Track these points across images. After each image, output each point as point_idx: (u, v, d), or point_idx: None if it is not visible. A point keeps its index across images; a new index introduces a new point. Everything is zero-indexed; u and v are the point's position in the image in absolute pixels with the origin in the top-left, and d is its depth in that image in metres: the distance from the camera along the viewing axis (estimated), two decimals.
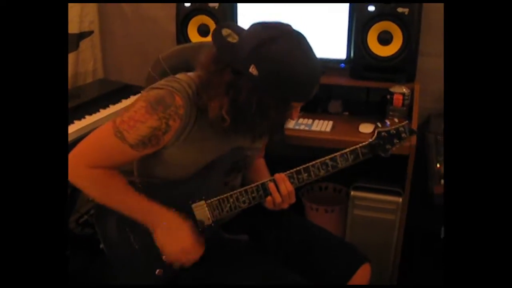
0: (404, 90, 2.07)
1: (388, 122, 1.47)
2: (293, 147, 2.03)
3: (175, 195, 1.42)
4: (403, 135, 1.47)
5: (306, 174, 1.43)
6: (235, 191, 1.42)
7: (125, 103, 2.30)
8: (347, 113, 2.33)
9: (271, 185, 1.41)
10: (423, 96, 2.19)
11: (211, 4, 2.31)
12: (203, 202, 1.42)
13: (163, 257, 1.40)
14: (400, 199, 2.07)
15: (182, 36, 2.39)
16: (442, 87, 2.27)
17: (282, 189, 1.41)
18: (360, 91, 2.40)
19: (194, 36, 2.39)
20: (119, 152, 1.32)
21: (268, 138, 1.62)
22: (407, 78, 2.14)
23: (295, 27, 1.28)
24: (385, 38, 2.13)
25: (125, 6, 2.76)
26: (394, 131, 1.46)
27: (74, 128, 1.96)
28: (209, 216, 1.42)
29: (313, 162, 1.43)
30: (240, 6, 2.29)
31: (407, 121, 1.48)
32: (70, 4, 2.49)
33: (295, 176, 1.43)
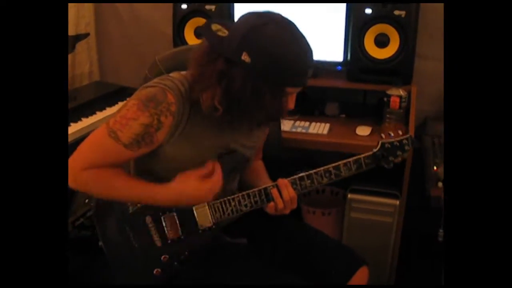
0: (401, 92, 2.07)
1: (392, 134, 1.47)
2: (290, 149, 2.02)
3: None
4: (407, 147, 1.47)
5: (309, 181, 1.43)
6: (237, 195, 1.42)
7: (121, 105, 2.29)
8: (344, 115, 2.33)
9: (274, 191, 1.41)
10: (420, 98, 2.19)
11: (208, 6, 2.31)
12: (204, 204, 1.41)
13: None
14: (397, 202, 2.07)
15: (178, 38, 2.39)
16: (439, 90, 2.31)
17: (284, 195, 1.41)
18: (357, 93, 2.40)
19: (190, 38, 2.38)
20: (114, 153, 1.32)
21: (266, 135, 1.62)
22: (404, 80, 2.14)
23: None
24: (382, 41, 2.13)
25: (121, 8, 2.76)
26: (398, 143, 1.47)
27: (70, 130, 1.96)
28: (210, 218, 1.42)
29: (316, 170, 1.43)
30: (237, 8, 2.29)
31: (410, 134, 1.49)
32: None
33: (298, 182, 1.43)
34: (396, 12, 2.06)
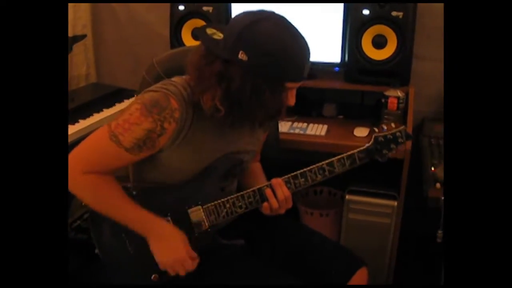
0: (399, 93, 2.07)
1: (385, 127, 1.47)
2: (288, 151, 2.02)
3: (171, 200, 1.42)
4: (400, 140, 1.46)
5: (303, 179, 1.42)
6: (231, 196, 1.41)
7: (118, 107, 2.29)
8: (341, 116, 2.33)
9: (268, 191, 1.41)
10: (417, 99, 2.20)
11: (205, 7, 2.30)
12: (199, 207, 1.41)
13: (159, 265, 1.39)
14: (395, 203, 2.07)
15: (176, 39, 2.38)
16: (436, 91, 2.31)
17: (279, 194, 1.40)
18: (354, 94, 2.40)
19: (188, 40, 2.38)
20: (115, 156, 1.31)
21: (266, 135, 1.62)
22: (402, 81, 2.14)
23: None
24: (379, 42, 2.13)
25: (118, 9, 2.75)
26: (391, 136, 1.46)
27: (68, 132, 1.94)
28: (205, 221, 1.41)
29: (310, 167, 1.42)
30: (235, 9, 2.29)
31: (404, 126, 1.48)
32: None
33: (291, 181, 1.42)
34: (394, 13, 2.06)
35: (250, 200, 1.42)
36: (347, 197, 2.14)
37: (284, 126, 2.12)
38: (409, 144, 1.87)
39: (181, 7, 2.34)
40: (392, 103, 2.07)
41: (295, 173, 1.42)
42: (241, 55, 1.21)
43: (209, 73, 1.25)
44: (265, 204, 1.41)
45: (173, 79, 1.37)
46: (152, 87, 1.34)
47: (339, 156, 1.43)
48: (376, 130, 1.48)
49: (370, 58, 2.15)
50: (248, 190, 1.42)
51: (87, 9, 2.73)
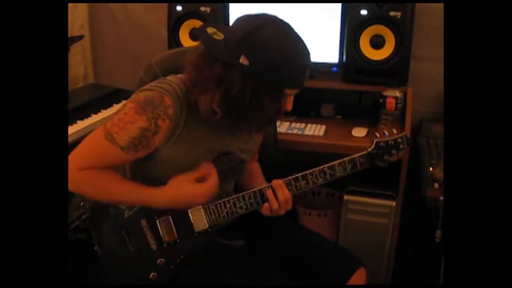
0: (397, 93, 2.07)
1: (386, 133, 1.47)
2: (286, 151, 2.02)
3: None
4: (401, 146, 1.47)
5: (304, 182, 1.43)
6: (232, 197, 1.41)
7: (116, 107, 2.29)
8: (339, 117, 2.33)
9: (269, 192, 1.40)
10: (415, 99, 2.19)
11: (202, 8, 2.30)
12: (200, 206, 1.40)
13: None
14: (394, 203, 2.07)
15: (173, 40, 2.38)
16: (435, 91, 2.31)
17: (279, 196, 1.40)
18: (352, 94, 2.39)
19: (185, 40, 2.37)
20: (110, 155, 1.31)
21: (262, 137, 1.62)
22: (400, 81, 2.14)
23: None
24: (377, 42, 2.13)
25: (116, 10, 2.75)
26: (392, 142, 1.46)
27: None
28: (206, 221, 1.41)
29: (311, 170, 1.42)
30: (232, 9, 2.28)
31: (405, 132, 1.49)
32: None
33: (293, 183, 1.42)
34: (392, 13, 2.06)
35: (250, 200, 1.41)
36: (345, 197, 2.14)
37: (282, 126, 2.12)
38: None
39: (179, 8, 2.33)
40: (390, 103, 2.07)
41: (296, 175, 1.42)
42: (243, 60, 1.21)
43: (208, 75, 1.25)
44: (266, 205, 1.41)
45: (168, 77, 1.37)
46: (147, 86, 1.34)
47: (340, 160, 1.44)
48: (378, 134, 1.48)
49: (368, 58, 2.14)
50: (249, 191, 1.42)
51: (85, 9, 2.73)
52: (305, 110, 2.29)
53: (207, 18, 2.30)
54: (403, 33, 2.08)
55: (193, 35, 2.35)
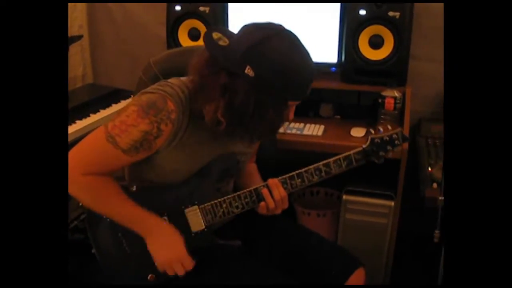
0: (395, 93, 2.07)
1: (381, 129, 1.47)
2: (285, 151, 2.02)
3: (167, 199, 1.41)
4: (397, 142, 1.46)
5: (299, 180, 1.42)
6: (228, 196, 1.41)
7: (115, 107, 2.29)
8: (338, 117, 2.33)
9: (265, 191, 1.40)
10: (414, 99, 2.20)
11: (201, 8, 2.30)
12: (196, 207, 1.41)
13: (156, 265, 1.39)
14: (392, 203, 2.07)
15: (172, 40, 2.37)
16: (433, 91, 2.31)
17: (275, 194, 1.40)
18: (351, 94, 2.40)
19: (184, 40, 2.37)
20: (111, 157, 1.31)
21: (261, 142, 1.62)
22: (398, 81, 2.14)
23: None
24: (376, 42, 2.13)
25: (115, 10, 2.75)
26: (388, 138, 1.46)
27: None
28: (202, 221, 1.41)
29: (307, 168, 1.42)
30: (231, 11, 2.28)
31: (400, 128, 1.48)
32: None
33: (288, 181, 1.42)
34: (391, 13, 2.06)
35: (246, 200, 1.41)
36: (344, 197, 2.14)
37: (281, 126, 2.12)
38: (406, 144, 1.87)
39: (178, 7, 2.33)
40: (389, 103, 2.07)
41: (291, 173, 1.42)
42: (248, 70, 1.21)
43: (214, 84, 1.25)
44: (262, 204, 1.41)
45: (170, 80, 1.36)
46: (149, 89, 1.33)
47: (335, 157, 1.43)
48: (373, 131, 1.48)
49: (367, 58, 2.14)
50: (245, 190, 1.42)
51: (83, 9, 2.73)
52: (304, 110, 2.29)
53: (206, 18, 2.30)
54: (402, 33, 2.08)
55: (192, 35, 2.35)
